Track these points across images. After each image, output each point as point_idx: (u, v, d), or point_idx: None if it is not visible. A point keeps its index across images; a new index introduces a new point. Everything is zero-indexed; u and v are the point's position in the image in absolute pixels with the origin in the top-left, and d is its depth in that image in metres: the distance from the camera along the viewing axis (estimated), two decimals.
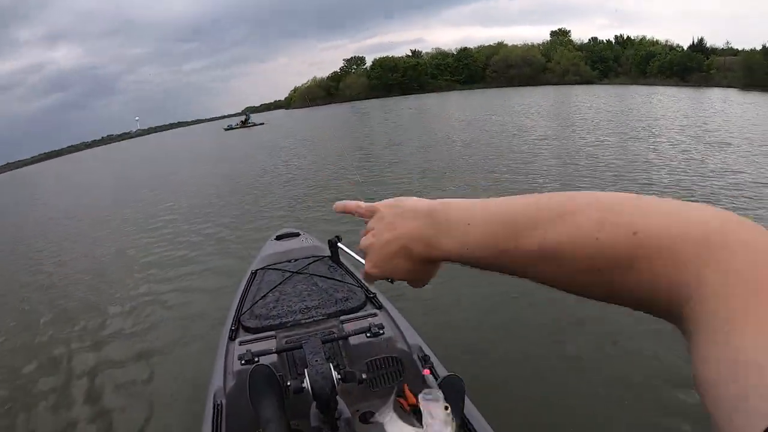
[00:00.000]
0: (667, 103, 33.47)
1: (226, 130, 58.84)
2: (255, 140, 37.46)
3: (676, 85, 55.15)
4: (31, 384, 5.36)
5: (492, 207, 0.58)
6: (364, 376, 2.26)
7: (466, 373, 2.03)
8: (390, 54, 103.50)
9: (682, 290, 0.40)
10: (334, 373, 2.09)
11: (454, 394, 1.90)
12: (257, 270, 4.10)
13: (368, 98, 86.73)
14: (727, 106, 30.13)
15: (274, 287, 3.62)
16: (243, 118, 64.27)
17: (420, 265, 0.68)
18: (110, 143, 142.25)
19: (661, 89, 49.68)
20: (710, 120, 22.01)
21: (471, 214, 0.59)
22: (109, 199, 19.17)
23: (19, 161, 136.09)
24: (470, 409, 2.37)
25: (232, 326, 3.24)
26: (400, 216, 0.67)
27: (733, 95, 39.70)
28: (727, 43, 65.12)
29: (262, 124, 59.47)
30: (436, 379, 2.34)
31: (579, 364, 4.33)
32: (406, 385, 2.51)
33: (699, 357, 0.37)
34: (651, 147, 15.47)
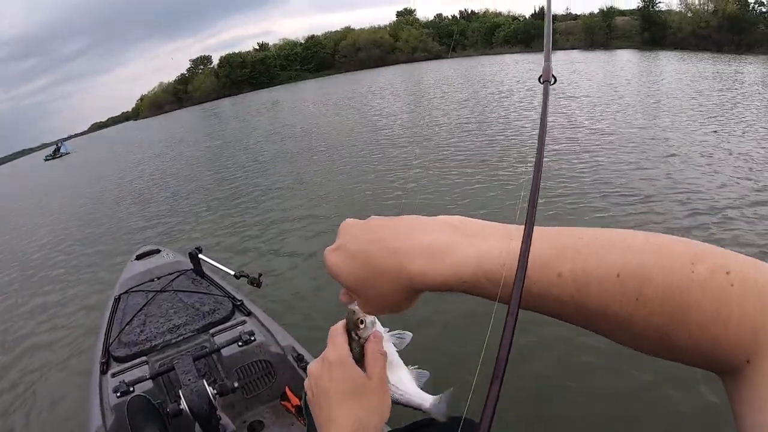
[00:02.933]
0: (513, 67, 35.79)
1: (46, 160, 52.96)
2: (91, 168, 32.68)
3: (522, 51, 57.08)
4: None
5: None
6: (236, 384, 2.30)
7: None
8: (237, 50, 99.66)
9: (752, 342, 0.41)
10: (209, 389, 2.13)
11: None
12: (120, 295, 3.99)
13: (219, 98, 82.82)
14: (572, 65, 32.10)
15: (139, 310, 3.56)
16: (54, 147, 57.72)
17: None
18: None
19: (507, 57, 51.60)
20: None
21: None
22: None
23: None
24: None
25: (101, 359, 3.11)
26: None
27: (576, 55, 43.39)
28: (567, 9, 70.47)
29: (68, 154, 53.96)
30: None
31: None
32: (287, 387, 2.72)
33: (754, 421, 0.38)
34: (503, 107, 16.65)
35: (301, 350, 2.93)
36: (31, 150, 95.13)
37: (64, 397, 4.79)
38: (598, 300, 0.46)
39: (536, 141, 0.77)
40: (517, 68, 33.92)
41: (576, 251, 0.47)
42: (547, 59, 1.53)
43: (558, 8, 71.82)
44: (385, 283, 0.55)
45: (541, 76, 1.26)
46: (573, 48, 52.08)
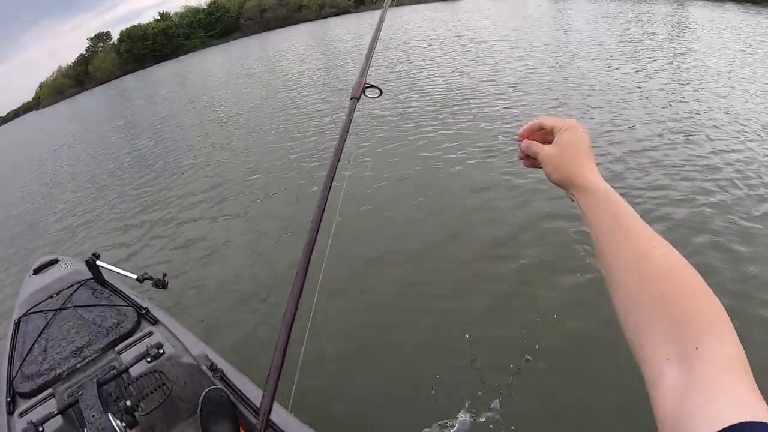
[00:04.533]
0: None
1: None
2: None
3: (431, 1, 56.06)
4: None
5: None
6: (128, 403, 2.16)
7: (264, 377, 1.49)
8: (137, 22, 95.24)
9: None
10: (116, 424, 2.01)
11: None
12: (20, 318, 3.58)
13: (123, 75, 78.88)
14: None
15: (39, 334, 3.23)
16: None
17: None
18: None
19: (421, 7, 51.29)
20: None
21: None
22: None
23: None
24: (283, 417, 2.30)
25: (7, 397, 2.82)
26: (582, 138, 0.86)
27: (484, 3, 43.19)
28: None
29: None
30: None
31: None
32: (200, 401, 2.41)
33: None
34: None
35: (215, 358, 2.75)
36: None
37: None
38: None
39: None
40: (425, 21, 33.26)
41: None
42: (363, 74, 1.71)
43: None
44: (565, 174, 0.83)
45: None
46: None
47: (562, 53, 13.96)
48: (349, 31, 37.34)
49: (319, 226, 1.28)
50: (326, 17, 67.90)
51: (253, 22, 78.32)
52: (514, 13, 28.86)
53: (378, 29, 1.89)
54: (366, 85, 1.65)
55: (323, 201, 1.36)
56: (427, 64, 15.50)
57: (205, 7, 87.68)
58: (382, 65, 16.95)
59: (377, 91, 1.66)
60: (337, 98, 13.67)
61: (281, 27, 70.01)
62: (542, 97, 9.76)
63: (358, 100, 1.63)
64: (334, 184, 1.36)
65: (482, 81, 11.80)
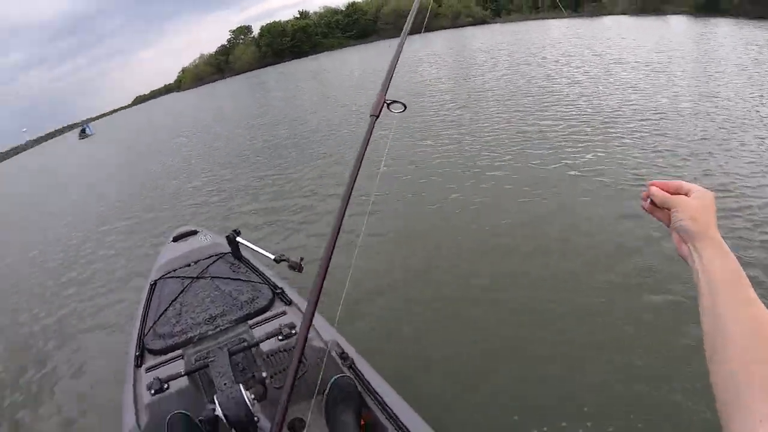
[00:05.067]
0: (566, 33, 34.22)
1: (80, 139, 57.28)
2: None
3: (570, 17, 55.14)
4: None
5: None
6: (264, 374, 2.25)
7: (391, 369, 2.38)
8: (277, 19, 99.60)
9: None
10: (247, 394, 2.03)
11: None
12: (156, 281, 3.85)
13: (260, 67, 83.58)
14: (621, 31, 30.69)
15: (175, 298, 3.43)
16: (80, 128, 64.13)
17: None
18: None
19: (555, 22, 49.88)
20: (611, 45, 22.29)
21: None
22: None
23: None
24: (398, 405, 2.32)
25: (136, 351, 3.01)
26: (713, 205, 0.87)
27: (625, 21, 41.11)
28: None
29: (93, 134, 58.23)
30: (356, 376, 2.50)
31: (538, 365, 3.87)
32: (327, 387, 2.38)
33: None
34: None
35: (345, 345, 2.75)
36: (78, 124, 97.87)
37: (98, 388, 4.76)
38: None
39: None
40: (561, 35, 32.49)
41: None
42: (384, 91, 1.74)
43: None
44: (701, 223, 0.83)
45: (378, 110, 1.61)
46: (623, 13, 49.45)
47: (706, 81, 12.75)
48: (484, 42, 37.17)
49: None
50: (462, 26, 67.43)
51: (390, 26, 79.18)
52: (654, 32, 27.79)
53: (399, 49, 1.95)
54: (388, 102, 1.69)
55: (338, 220, 1.62)
56: (567, 83, 14.62)
57: (344, 9, 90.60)
58: (520, 78, 16.75)
59: (401, 106, 1.72)
60: (467, 112, 13.13)
61: (416, 33, 70.14)
62: (684, 129, 8.87)
63: (377, 117, 1.69)
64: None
65: (620, 107, 10.95)
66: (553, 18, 56.02)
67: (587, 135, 9.30)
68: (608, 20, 44.00)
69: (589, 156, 8.18)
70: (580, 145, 8.80)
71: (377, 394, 2.34)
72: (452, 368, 3.92)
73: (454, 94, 15.94)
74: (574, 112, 11.11)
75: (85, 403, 4.67)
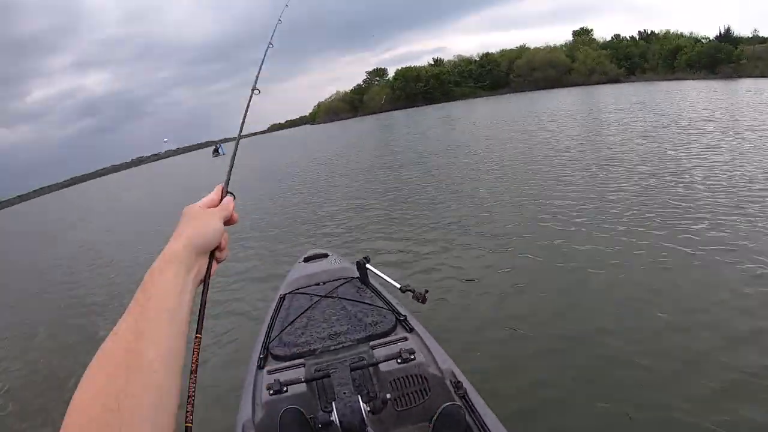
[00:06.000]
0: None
1: (213, 156, 64.52)
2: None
3: (705, 78, 52.79)
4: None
5: None
6: (388, 396, 2.26)
7: (505, 407, 2.32)
8: (412, 64, 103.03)
9: None
10: (363, 406, 2.13)
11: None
12: (285, 294, 4.07)
13: (393, 110, 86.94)
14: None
15: (302, 312, 3.61)
16: (214, 147, 71.18)
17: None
18: (140, 164, 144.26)
19: (691, 83, 47.35)
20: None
21: None
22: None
23: (52, 185, 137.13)
24: None
25: (260, 354, 3.22)
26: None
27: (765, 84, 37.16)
28: (755, 31, 62.14)
29: (224, 154, 64.67)
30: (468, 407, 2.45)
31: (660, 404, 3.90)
32: (437, 413, 2.32)
33: None
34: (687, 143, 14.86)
35: (461, 377, 2.76)
36: (211, 143, 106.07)
37: (221, 385, 5.07)
38: None
39: None
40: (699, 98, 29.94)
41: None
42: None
43: (745, 29, 65.30)
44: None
45: None
46: (762, 75, 46.29)
47: None
48: (613, 101, 36.01)
49: None
50: (596, 84, 66.27)
51: (522, 80, 79.65)
52: None
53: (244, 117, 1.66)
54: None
55: None
56: (699, 151, 13.35)
57: (477, 59, 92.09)
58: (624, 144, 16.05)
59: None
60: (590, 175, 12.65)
61: (549, 88, 69.63)
62: None
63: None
64: None
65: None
66: (690, 79, 54.06)
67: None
68: (747, 82, 40.97)
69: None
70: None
71: (486, 427, 2.33)
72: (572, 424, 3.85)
73: (597, 153, 15.64)
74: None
75: (207, 392, 4.98)
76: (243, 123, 1.52)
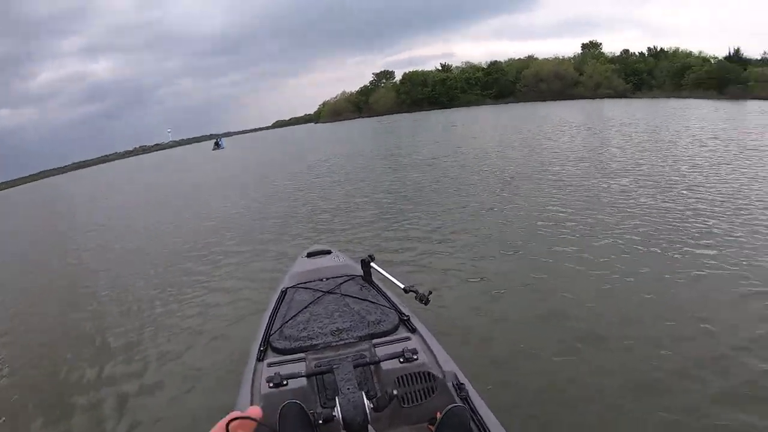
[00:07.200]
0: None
1: (213, 149, 67.17)
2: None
3: (714, 98, 52.54)
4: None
5: None
6: (395, 392, 2.20)
7: (504, 408, 2.30)
8: (419, 68, 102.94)
9: None
10: (367, 402, 2.06)
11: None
12: (287, 288, 4.05)
13: (397, 113, 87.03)
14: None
15: (305, 307, 3.58)
16: (215, 141, 73.82)
17: None
18: (142, 154, 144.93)
19: (696, 102, 47.76)
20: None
21: None
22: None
23: (54, 169, 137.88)
24: None
25: (260, 347, 3.18)
26: None
27: None
28: (764, 53, 62.14)
29: (224, 148, 68.03)
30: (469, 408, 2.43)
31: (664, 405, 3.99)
32: (438, 412, 2.27)
33: None
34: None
35: (463, 378, 2.75)
36: (217, 135, 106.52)
37: (218, 376, 5.18)
38: None
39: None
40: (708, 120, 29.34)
41: None
42: None
43: (754, 52, 64.72)
44: None
45: None
46: None
47: None
48: (615, 115, 36.65)
49: None
50: (602, 98, 66.28)
51: (529, 90, 79.54)
52: None
53: None
54: None
55: None
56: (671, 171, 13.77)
57: (485, 67, 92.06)
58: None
59: None
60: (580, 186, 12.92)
61: (555, 100, 69.69)
62: None
63: None
64: None
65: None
66: (697, 98, 53.84)
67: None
68: (755, 104, 41.01)
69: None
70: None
71: (487, 428, 2.34)
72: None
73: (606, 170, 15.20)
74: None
75: (204, 384, 5.19)
76: None
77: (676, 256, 7.45)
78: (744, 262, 6.87)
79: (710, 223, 8.78)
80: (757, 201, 9.92)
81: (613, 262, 7.40)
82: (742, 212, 9.23)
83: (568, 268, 7.31)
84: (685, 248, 7.69)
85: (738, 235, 8.04)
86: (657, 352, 4.79)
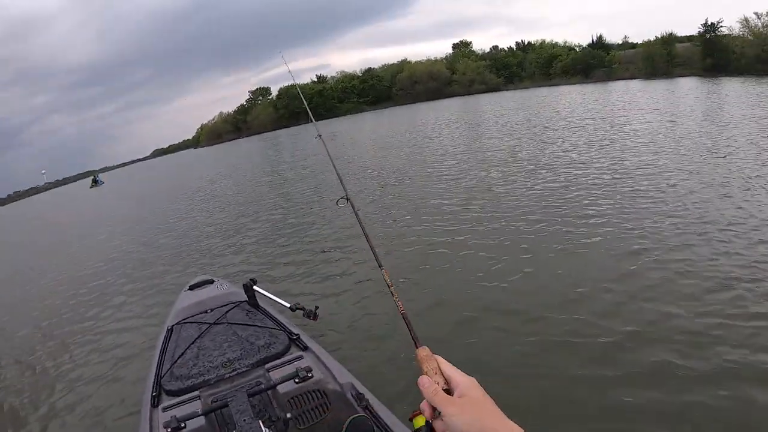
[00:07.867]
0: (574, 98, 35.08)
1: (91, 188, 62.18)
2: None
3: (581, 82, 56.30)
4: None
5: None
6: (288, 415, 2.28)
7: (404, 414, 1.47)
8: (297, 82, 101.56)
9: None
10: (265, 430, 2.11)
11: None
12: (173, 326, 3.92)
13: (277, 128, 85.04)
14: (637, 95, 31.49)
15: (192, 342, 3.50)
16: (92, 178, 70.34)
17: None
18: (17, 200, 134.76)
19: (566, 88, 51.28)
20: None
21: None
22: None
23: None
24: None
25: (153, 392, 3.05)
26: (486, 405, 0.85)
27: (635, 85, 42.57)
28: (625, 37, 68.75)
29: (103, 184, 64.43)
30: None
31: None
32: (344, 427, 2.40)
33: None
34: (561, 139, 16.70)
35: (361, 388, 2.78)
36: (94, 172, 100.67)
37: (115, 427, 4.77)
38: None
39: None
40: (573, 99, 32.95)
41: None
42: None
43: (616, 37, 72.50)
44: None
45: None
46: (632, 78, 51.23)
47: (716, 146, 12.44)
48: (493, 107, 38.38)
49: None
50: (476, 93, 68.16)
51: (405, 93, 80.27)
52: (662, 95, 28.55)
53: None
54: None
55: None
56: (569, 146, 15.15)
57: (360, 75, 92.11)
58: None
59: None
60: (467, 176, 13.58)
61: (431, 99, 71.16)
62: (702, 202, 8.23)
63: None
64: None
65: (622, 173, 10.75)
66: (565, 84, 57.48)
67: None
68: (619, 84, 45.54)
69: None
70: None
71: None
72: None
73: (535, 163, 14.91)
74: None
75: None
76: None
77: (565, 229, 7.95)
78: (628, 226, 7.61)
79: (596, 194, 9.59)
80: (634, 168, 11.16)
81: (503, 243, 7.80)
82: (623, 180, 10.26)
83: (454, 256, 7.60)
84: (573, 221, 8.25)
85: (619, 199, 9.02)
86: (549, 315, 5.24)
